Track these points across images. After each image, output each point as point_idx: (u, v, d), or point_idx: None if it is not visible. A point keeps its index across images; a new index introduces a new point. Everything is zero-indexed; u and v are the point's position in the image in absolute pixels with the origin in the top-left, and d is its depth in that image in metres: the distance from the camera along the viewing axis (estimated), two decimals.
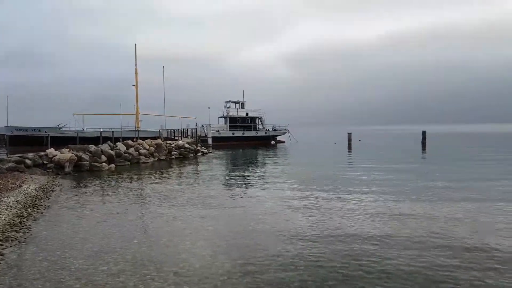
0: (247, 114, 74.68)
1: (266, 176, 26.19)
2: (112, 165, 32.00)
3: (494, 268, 8.84)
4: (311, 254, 9.95)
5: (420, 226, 12.49)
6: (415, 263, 9.21)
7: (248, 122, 74.60)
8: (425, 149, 52.45)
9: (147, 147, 38.77)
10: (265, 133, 75.82)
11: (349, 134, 61.54)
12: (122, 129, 47.95)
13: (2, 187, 18.50)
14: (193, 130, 61.20)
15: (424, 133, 63.97)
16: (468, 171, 27.64)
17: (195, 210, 15.46)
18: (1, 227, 11.92)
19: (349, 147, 56.27)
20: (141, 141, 39.99)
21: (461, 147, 59.35)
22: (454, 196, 17.57)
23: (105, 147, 34.47)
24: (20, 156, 27.51)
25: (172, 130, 56.31)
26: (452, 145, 64.81)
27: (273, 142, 76.19)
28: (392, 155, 44.40)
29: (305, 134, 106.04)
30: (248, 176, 26.75)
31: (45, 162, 28.33)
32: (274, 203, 16.44)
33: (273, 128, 77.45)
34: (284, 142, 76.38)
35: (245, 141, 71.17)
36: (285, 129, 78.54)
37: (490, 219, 13.34)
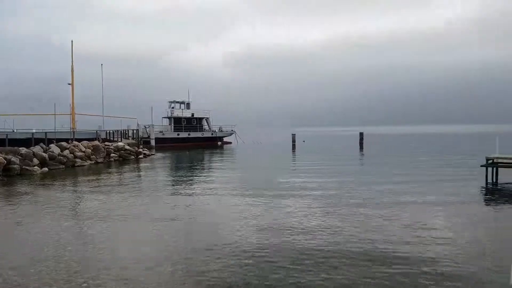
0: (192, 114, 73.59)
1: (212, 181, 24.81)
2: (45, 169, 29.99)
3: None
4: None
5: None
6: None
7: (194, 123, 73.59)
8: (362, 149, 55.47)
9: (84, 149, 36.78)
10: (212, 134, 75.30)
11: (293, 136, 63.18)
12: (56, 130, 44.93)
13: None
14: (135, 131, 58.92)
15: (361, 134, 67.52)
16: (395, 171, 29.64)
17: (133, 222, 14.87)
18: None
19: (293, 148, 57.78)
20: (76, 142, 37.88)
21: (398, 147, 63.29)
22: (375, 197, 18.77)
23: (37, 149, 32.20)
24: None
25: (111, 131, 53.87)
26: (390, 145, 68.92)
27: (219, 143, 75.93)
28: (332, 155, 46.29)
29: (253, 135, 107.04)
30: (192, 181, 26.27)
31: None
32: (220, 211, 16.31)
33: (219, 129, 77.06)
34: (231, 143, 76.40)
35: (191, 142, 70.15)
36: (232, 130, 78.57)
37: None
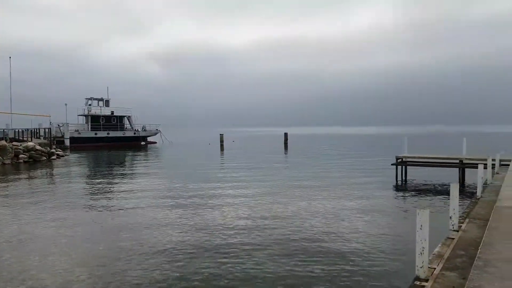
0: (112, 112, 69.11)
1: (129, 190, 21.30)
2: None
3: None
4: None
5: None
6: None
7: (114, 121, 69.23)
8: (287, 149, 57.44)
9: None
10: (134, 133, 71.70)
11: (221, 136, 63.07)
12: None
13: None
14: (47, 130, 54.02)
15: (286, 134, 69.90)
16: (313, 169, 31.22)
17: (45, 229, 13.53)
18: None
19: (222, 148, 57.68)
20: None
21: (318, 147, 66.63)
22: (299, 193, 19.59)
23: None
24: None
25: (20, 130, 48.64)
26: (312, 146, 72.28)
27: (143, 143, 72.70)
28: (258, 154, 47.14)
29: (179, 135, 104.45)
30: (109, 187, 24.34)
31: None
32: (139, 219, 15.33)
33: (143, 128, 73.44)
34: (155, 143, 73.61)
35: (111, 142, 66.13)
36: (157, 129, 75.61)
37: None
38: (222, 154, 49.47)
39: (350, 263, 9.40)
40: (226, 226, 12.74)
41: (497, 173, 18.57)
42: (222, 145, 60.61)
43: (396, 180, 23.47)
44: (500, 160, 21.24)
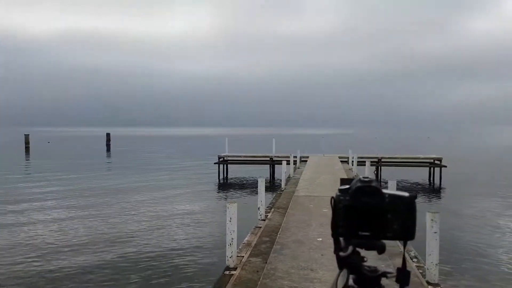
0: None
1: None
2: None
3: None
4: None
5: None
6: None
7: None
8: (109, 150, 53.68)
9: None
10: None
11: (27, 136, 53.95)
12: None
13: None
14: None
15: (108, 135, 65.28)
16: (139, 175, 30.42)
17: None
18: None
19: (27, 151, 49.27)
20: None
21: (144, 149, 64.54)
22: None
23: None
24: None
25: None
26: (135, 148, 69.42)
27: None
28: (77, 158, 42.42)
29: None
30: None
31: None
32: None
33: None
34: None
35: None
36: None
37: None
38: (27, 159, 42.32)
39: (168, 262, 9.43)
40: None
41: (298, 168, 21.95)
42: (28, 147, 51.89)
43: (219, 177, 24.91)
44: (301, 157, 25.19)
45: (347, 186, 1.14)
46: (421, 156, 26.47)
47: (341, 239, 1.13)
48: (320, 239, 7.24)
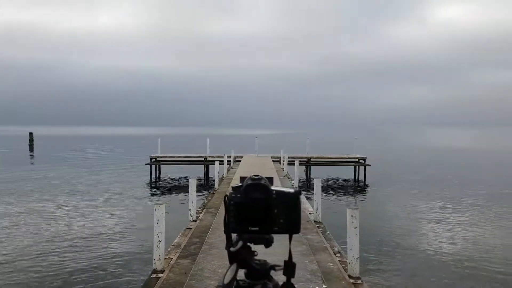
0: None
1: None
2: None
3: None
4: None
5: None
6: None
7: None
8: (33, 151, 49.60)
9: None
10: None
11: None
12: None
13: None
14: None
15: (31, 135, 60.05)
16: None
17: None
18: None
19: None
20: None
21: (70, 149, 60.32)
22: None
23: None
24: None
25: None
26: (59, 148, 64.67)
27: None
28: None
29: None
30: None
31: None
32: None
33: None
34: None
35: None
36: None
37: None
38: None
39: (93, 270, 8.94)
40: None
41: (232, 168, 22.07)
42: None
43: (150, 179, 24.14)
44: (235, 157, 25.36)
45: (240, 184, 1.19)
46: (347, 155, 28.11)
47: (234, 235, 1.18)
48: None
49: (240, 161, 24.58)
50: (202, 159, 25.69)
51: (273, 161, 24.60)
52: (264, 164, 22.84)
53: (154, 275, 6.23)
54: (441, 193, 20.45)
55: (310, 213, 10.60)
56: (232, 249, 1.13)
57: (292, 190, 1.18)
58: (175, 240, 8.01)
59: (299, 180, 17.88)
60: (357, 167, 26.32)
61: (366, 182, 24.80)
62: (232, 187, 1.19)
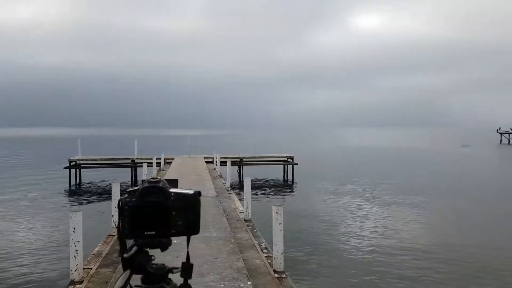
0: None
1: None
2: None
3: None
4: None
5: None
6: None
7: None
8: None
9: None
10: None
11: None
12: None
13: None
14: None
15: None
16: None
17: None
18: None
19: None
20: None
21: None
22: None
23: None
24: None
25: None
26: None
27: None
28: None
29: None
30: None
31: None
32: None
33: None
34: None
35: None
36: None
37: None
38: None
39: (5, 283, 8.07)
40: None
41: (162, 170, 21.42)
42: None
43: (70, 184, 22.47)
44: (166, 158, 24.66)
45: (136, 188, 1.15)
46: (277, 155, 28.92)
47: (129, 241, 1.13)
48: (177, 241, 7.19)
49: (171, 162, 23.96)
50: (129, 161, 24.55)
51: (206, 161, 24.39)
52: (196, 165, 22.54)
53: (72, 286, 5.82)
54: (359, 188, 22.03)
55: (240, 212, 10.71)
56: (125, 255, 1.09)
57: (191, 192, 1.18)
58: (96, 249, 7.55)
59: (231, 180, 17.98)
60: (285, 165, 27.20)
61: (294, 180, 25.73)
62: (128, 190, 1.14)
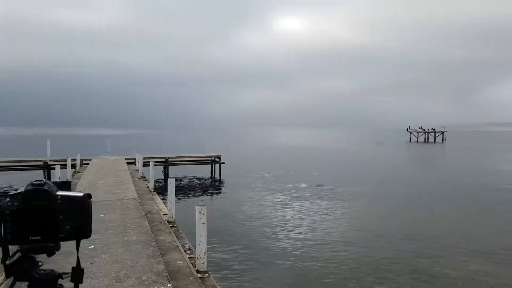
0: None
1: None
2: None
3: None
4: None
5: None
6: None
7: None
8: None
9: None
10: None
11: None
12: None
13: None
14: None
15: None
16: None
17: None
18: None
19: None
20: None
21: None
22: None
23: None
24: None
25: None
26: None
27: None
28: None
29: None
30: None
31: None
32: None
33: None
34: None
35: None
36: None
37: None
38: None
39: None
40: None
41: (78, 172, 19.98)
42: None
43: None
44: (82, 160, 23.04)
45: (19, 191, 1.10)
46: (204, 154, 28.73)
47: (13, 246, 1.08)
48: (92, 246, 6.81)
49: (88, 164, 22.47)
50: (41, 163, 22.51)
51: (128, 162, 23.29)
52: (117, 166, 21.41)
53: None
54: (285, 186, 22.84)
55: (164, 214, 10.45)
56: (7, 262, 1.03)
57: (80, 194, 1.15)
58: None
59: (155, 181, 17.43)
60: (213, 165, 27.15)
61: (221, 179, 25.81)
62: (10, 194, 1.08)
